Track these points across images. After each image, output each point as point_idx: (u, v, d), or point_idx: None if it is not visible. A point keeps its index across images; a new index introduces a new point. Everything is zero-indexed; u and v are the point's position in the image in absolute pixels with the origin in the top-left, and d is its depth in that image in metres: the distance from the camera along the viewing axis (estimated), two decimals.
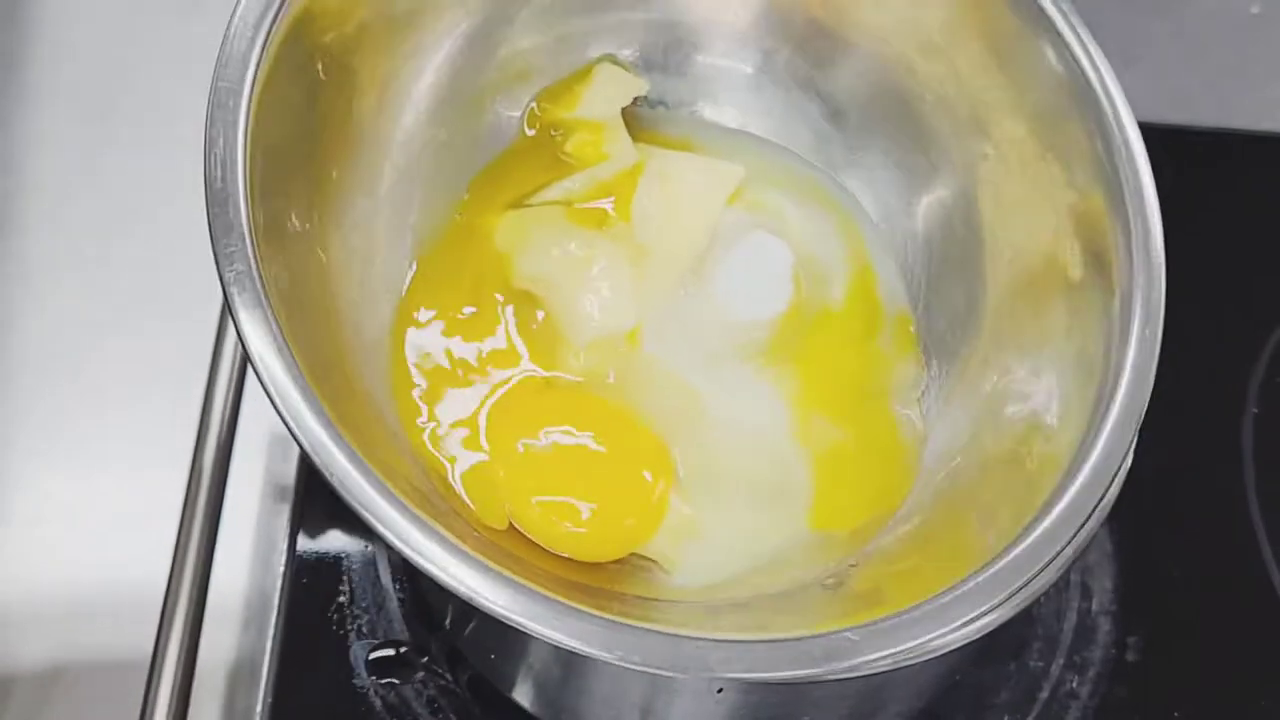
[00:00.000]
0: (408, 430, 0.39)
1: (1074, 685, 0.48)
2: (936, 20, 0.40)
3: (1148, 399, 0.36)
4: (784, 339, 0.42)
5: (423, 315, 0.40)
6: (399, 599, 0.48)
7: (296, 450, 0.50)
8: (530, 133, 0.43)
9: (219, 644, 0.50)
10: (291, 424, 0.30)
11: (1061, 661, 0.49)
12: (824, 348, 0.42)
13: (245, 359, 0.51)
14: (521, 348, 0.40)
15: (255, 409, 0.51)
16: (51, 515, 0.53)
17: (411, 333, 0.40)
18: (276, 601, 0.47)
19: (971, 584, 0.32)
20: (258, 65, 0.33)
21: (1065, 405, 0.37)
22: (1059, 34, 0.37)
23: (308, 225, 0.36)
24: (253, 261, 0.31)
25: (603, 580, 0.38)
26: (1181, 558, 0.52)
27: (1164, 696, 0.49)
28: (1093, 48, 0.37)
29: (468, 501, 0.38)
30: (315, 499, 0.49)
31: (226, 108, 0.33)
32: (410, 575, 0.48)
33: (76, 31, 0.66)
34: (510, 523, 0.39)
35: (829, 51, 0.43)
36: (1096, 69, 0.37)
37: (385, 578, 0.48)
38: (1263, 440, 0.55)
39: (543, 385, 0.40)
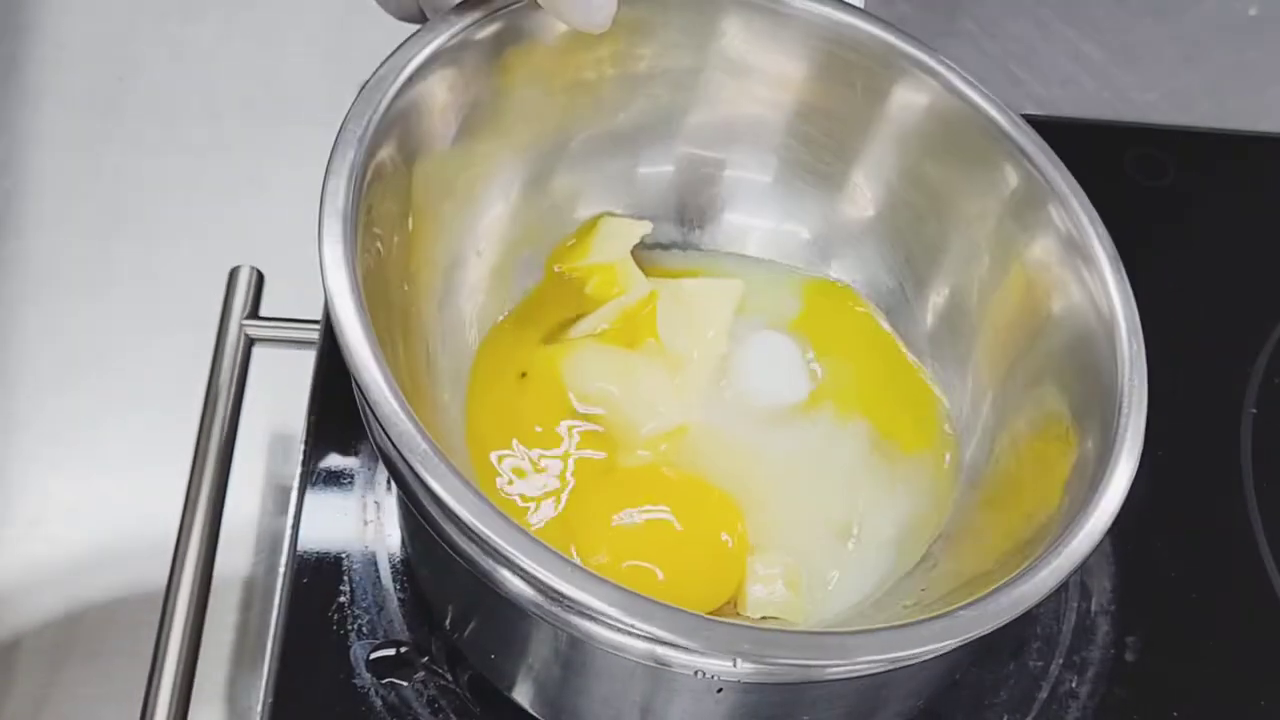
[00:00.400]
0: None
1: (1073, 685, 0.49)
2: (928, 152, 0.47)
3: (1145, 399, 0.39)
4: (817, 405, 0.48)
5: (491, 442, 0.45)
6: (399, 599, 0.48)
7: (297, 450, 0.50)
8: (556, 270, 0.49)
9: (219, 643, 0.50)
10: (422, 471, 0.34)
11: (1060, 661, 0.49)
12: (853, 398, 0.48)
13: (245, 360, 0.52)
14: (588, 451, 0.46)
15: (256, 409, 0.51)
16: (53, 514, 0.53)
17: (486, 457, 0.45)
18: (277, 601, 0.47)
19: (1044, 556, 0.36)
20: (351, 266, 0.37)
21: (1077, 415, 0.41)
22: (1021, 150, 0.44)
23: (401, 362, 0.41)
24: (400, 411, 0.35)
25: None
26: (1180, 558, 0.52)
27: (1163, 696, 0.49)
28: (1049, 154, 0.44)
29: None
30: (316, 499, 0.49)
31: (344, 301, 0.37)
32: (410, 575, 0.48)
33: (76, 32, 0.66)
34: None
35: (838, 172, 0.50)
36: (1057, 169, 0.44)
37: (385, 578, 0.48)
38: (1262, 440, 0.55)
39: (609, 466, 0.45)
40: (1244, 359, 0.57)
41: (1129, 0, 0.74)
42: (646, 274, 0.49)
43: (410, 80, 0.41)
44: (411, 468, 0.35)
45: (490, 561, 0.35)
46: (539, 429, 0.45)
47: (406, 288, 0.43)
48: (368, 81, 0.41)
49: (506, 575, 0.35)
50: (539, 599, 0.35)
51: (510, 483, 0.44)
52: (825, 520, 0.45)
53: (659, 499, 0.44)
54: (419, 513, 0.36)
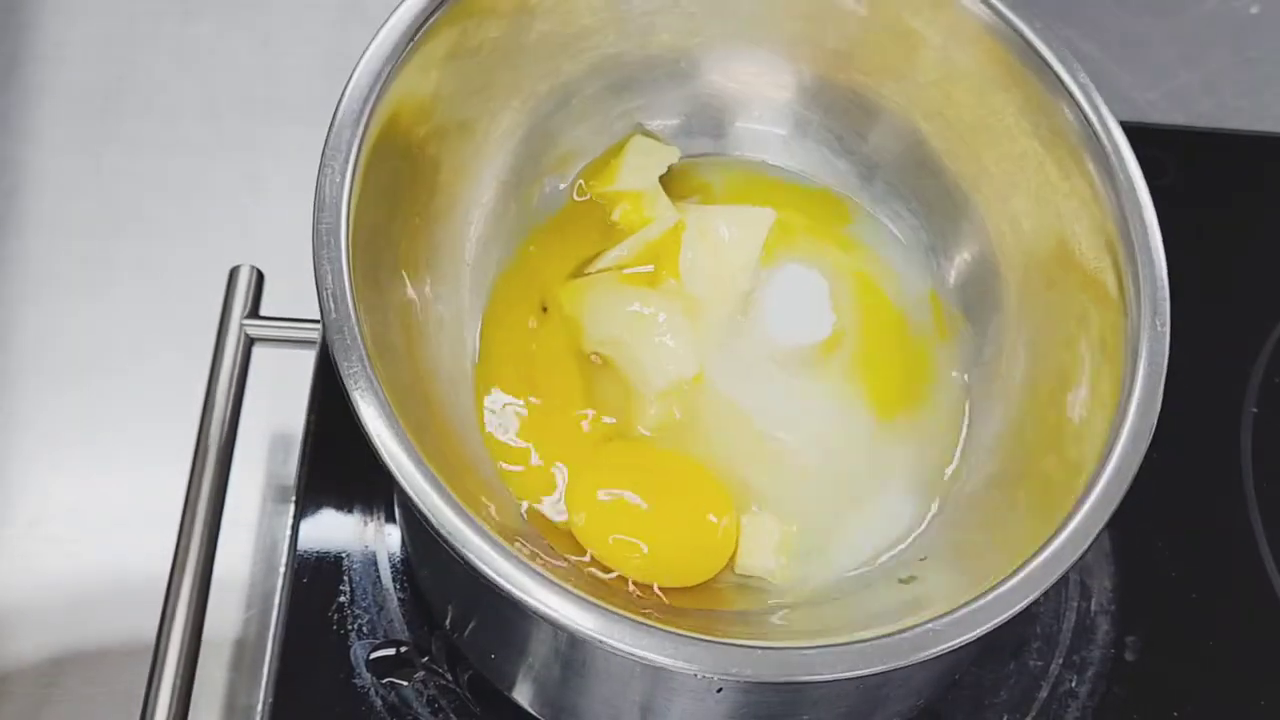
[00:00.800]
0: (502, 477, 0.43)
1: (1073, 685, 0.49)
2: (964, 87, 0.46)
3: (1163, 379, 0.40)
4: (833, 354, 0.47)
5: (500, 378, 0.45)
6: (399, 599, 0.48)
7: (297, 451, 0.50)
8: (579, 199, 0.48)
9: (219, 643, 0.50)
10: (413, 497, 0.35)
11: (1060, 661, 0.49)
12: (870, 352, 0.47)
13: (245, 360, 0.52)
14: (597, 401, 0.45)
15: (256, 410, 0.51)
16: (53, 515, 0.53)
17: (494, 394, 0.45)
18: (277, 602, 0.47)
19: (1025, 570, 0.36)
20: (349, 202, 0.38)
21: (1093, 390, 0.41)
22: (1068, 90, 0.43)
23: (401, 316, 0.41)
24: (371, 375, 0.36)
25: (704, 601, 0.42)
26: (1180, 557, 0.52)
27: (1163, 696, 0.49)
28: (1097, 98, 0.43)
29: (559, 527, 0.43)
30: (316, 499, 0.49)
31: (329, 245, 0.37)
32: (410, 575, 0.48)
33: (76, 32, 0.66)
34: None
35: (860, 118, 0.48)
36: (1100, 116, 0.43)
37: (385, 577, 0.48)
38: (1262, 440, 0.55)
39: (614, 433, 0.45)
40: (1244, 359, 0.57)
41: (1129, 0, 0.74)
42: (674, 191, 0.48)
43: (403, 57, 0.41)
44: (421, 511, 0.35)
45: None
46: (552, 375, 0.45)
47: (412, 270, 0.43)
48: (358, 64, 0.40)
49: None
50: None
51: (512, 434, 0.44)
52: (830, 481, 0.45)
53: (652, 476, 0.44)
54: (419, 515, 0.36)
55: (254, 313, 0.53)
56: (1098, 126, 0.42)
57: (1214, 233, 0.61)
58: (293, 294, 0.53)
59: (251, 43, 0.67)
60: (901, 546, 0.44)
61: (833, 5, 0.47)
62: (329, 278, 0.37)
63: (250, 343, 0.52)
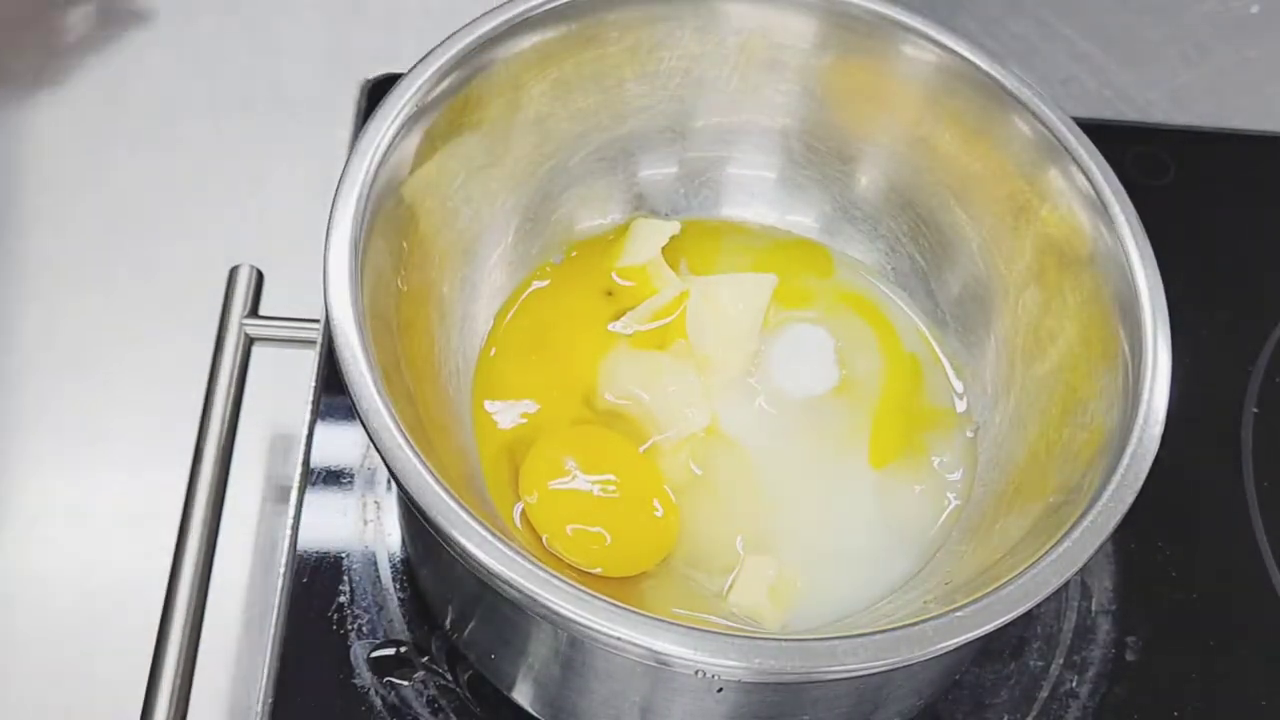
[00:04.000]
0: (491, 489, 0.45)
1: (1073, 685, 0.49)
2: (947, 137, 0.48)
3: (1169, 374, 0.40)
4: (839, 408, 0.48)
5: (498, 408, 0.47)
6: (399, 599, 0.48)
7: (297, 450, 0.50)
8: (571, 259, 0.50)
9: (219, 644, 0.50)
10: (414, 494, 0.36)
11: (1061, 661, 0.49)
12: (876, 410, 0.48)
13: (245, 360, 0.52)
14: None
15: (256, 409, 0.51)
16: (53, 514, 0.53)
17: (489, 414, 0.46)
18: (276, 601, 0.47)
19: (1054, 554, 0.37)
20: (360, 241, 0.39)
21: (1100, 393, 0.42)
22: (1036, 115, 0.45)
23: (407, 354, 0.42)
24: (372, 378, 0.37)
25: None
26: (1181, 557, 0.52)
27: (1163, 696, 0.49)
28: (1064, 118, 0.45)
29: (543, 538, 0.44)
30: (316, 499, 0.49)
31: (337, 266, 0.39)
32: (410, 575, 0.48)
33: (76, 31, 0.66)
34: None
35: (847, 168, 0.51)
36: (1068, 129, 0.45)
37: (385, 577, 0.48)
38: (1263, 440, 0.55)
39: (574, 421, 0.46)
40: (1244, 359, 0.57)
41: (1129, 0, 0.74)
42: (670, 257, 0.49)
43: (411, 117, 0.42)
44: (418, 504, 0.35)
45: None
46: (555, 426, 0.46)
47: (420, 314, 0.44)
48: (368, 122, 0.42)
49: None
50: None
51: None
52: (836, 529, 0.46)
53: (602, 463, 0.45)
54: (420, 514, 0.36)
55: (254, 312, 0.53)
56: (1077, 149, 0.44)
57: (1214, 233, 0.61)
58: (293, 294, 0.53)
59: (252, 42, 0.67)
60: (922, 569, 0.44)
61: (808, 83, 0.49)
62: (336, 294, 0.38)
63: (250, 342, 0.52)
